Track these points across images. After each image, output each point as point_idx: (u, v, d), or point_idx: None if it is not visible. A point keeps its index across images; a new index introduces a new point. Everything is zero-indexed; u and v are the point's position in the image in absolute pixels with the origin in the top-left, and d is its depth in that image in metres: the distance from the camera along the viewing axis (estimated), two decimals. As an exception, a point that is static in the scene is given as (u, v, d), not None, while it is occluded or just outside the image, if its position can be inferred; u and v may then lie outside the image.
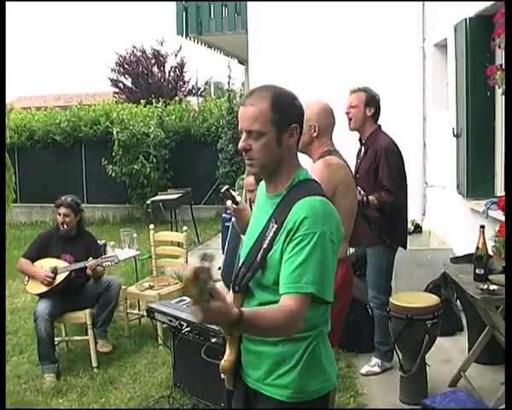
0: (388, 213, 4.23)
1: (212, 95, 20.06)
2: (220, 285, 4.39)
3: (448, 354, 4.65)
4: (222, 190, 2.71)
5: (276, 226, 1.92)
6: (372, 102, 4.35)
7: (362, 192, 4.04)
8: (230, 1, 9.80)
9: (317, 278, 1.82)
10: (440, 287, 5.13)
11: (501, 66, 3.74)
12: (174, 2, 9.82)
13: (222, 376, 2.14)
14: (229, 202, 2.69)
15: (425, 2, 7.05)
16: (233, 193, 2.71)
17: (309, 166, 3.19)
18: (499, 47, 3.62)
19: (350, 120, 4.36)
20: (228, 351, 2.08)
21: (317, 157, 3.15)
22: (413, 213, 6.87)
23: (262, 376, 1.98)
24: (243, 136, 1.97)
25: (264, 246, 1.93)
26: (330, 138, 3.23)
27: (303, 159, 2.31)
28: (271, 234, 1.93)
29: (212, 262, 1.62)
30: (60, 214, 4.97)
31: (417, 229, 6.61)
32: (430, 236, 6.61)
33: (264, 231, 1.97)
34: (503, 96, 4.31)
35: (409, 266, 5.52)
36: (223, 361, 2.08)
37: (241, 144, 1.98)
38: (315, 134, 3.17)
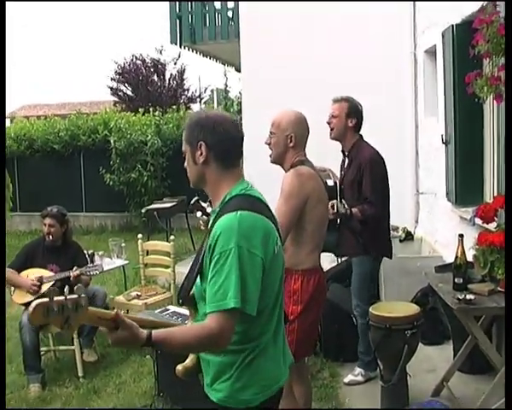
0: (370, 224, 4.21)
1: (215, 102, 20.08)
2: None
3: (433, 364, 4.61)
4: (191, 202, 2.73)
5: (207, 241, 1.99)
6: (354, 112, 4.29)
7: (346, 206, 4.02)
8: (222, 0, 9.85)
9: (237, 293, 1.85)
10: (428, 295, 5.08)
11: (479, 73, 3.70)
12: (168, 11, 9.84)
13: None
14: (198, 214, 2.70)
15: (416, 7, 7.03)
16: (203, 204, 2.71)
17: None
18: (476, 54, 3.57)
19: (331, 129, 4.33)
20: (189, 357, 2.15)
21: (289, 167, 3.13)
22: (405, 221, 6.85)
23: (209, 382, 2.07)
24: None
25: (200, 260, 1.99)
26: (304, 149, 3.21)
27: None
28: (205, 249, 1.99)
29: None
30: (45, 225, 4.99)
31: (409, 236, 6.55)
32: (421, 243, 6.55)
33: (201, 246, 2.05)
34: (493, 102, 4.29)
35: (398, 274, 5.46)
36: (178, 366, 2.15)
37: None
38: (291, 144, 3.15)
